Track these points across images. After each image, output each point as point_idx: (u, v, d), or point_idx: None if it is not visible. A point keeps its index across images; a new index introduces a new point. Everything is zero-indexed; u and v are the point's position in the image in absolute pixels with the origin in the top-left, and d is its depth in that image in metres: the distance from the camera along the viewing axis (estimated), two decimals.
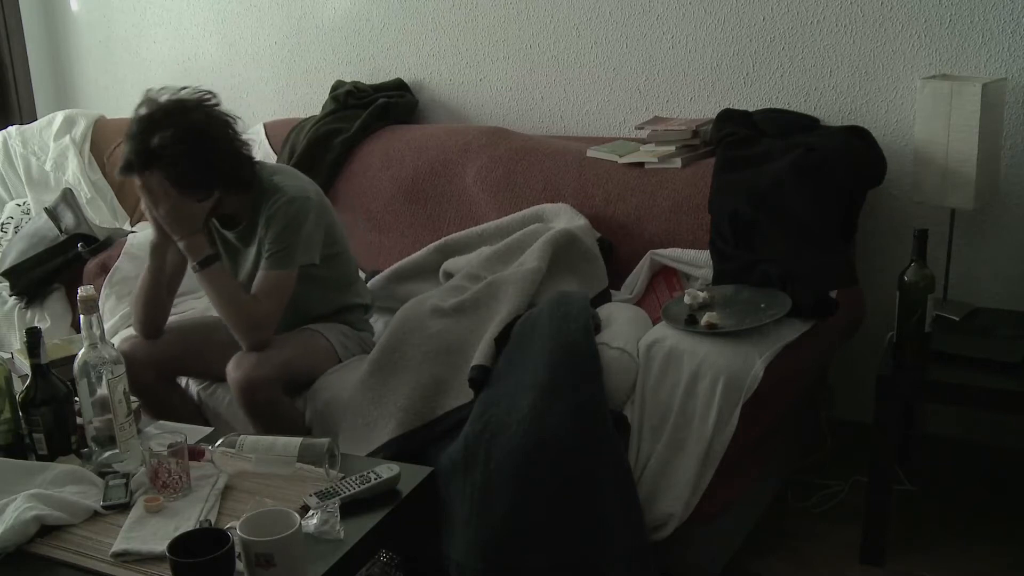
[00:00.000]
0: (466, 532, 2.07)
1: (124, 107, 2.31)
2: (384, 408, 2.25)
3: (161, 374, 2.48)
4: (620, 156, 2.82)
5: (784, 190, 2.42)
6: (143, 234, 2.43)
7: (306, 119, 3.42)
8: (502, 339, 2.28)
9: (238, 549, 1.49)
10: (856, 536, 2.38)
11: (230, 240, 2.47)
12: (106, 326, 2.56)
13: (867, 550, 2.37)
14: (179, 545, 1.48)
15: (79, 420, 1.99)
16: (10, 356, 2.47)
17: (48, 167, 3.72)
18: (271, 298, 2.33)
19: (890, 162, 2.65)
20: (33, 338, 1.91)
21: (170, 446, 1.79)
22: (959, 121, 2.40)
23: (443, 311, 2.43)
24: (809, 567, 2.39)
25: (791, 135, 2.66)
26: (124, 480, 1.84)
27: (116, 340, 2.67)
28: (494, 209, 2.94)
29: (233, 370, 2.29)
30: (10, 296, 3.22)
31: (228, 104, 2.40)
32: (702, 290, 2.36)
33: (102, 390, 1.90)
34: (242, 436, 1.92)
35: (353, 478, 1.78)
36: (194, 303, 2.86)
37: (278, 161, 3.30)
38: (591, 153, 2.88)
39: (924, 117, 2.49)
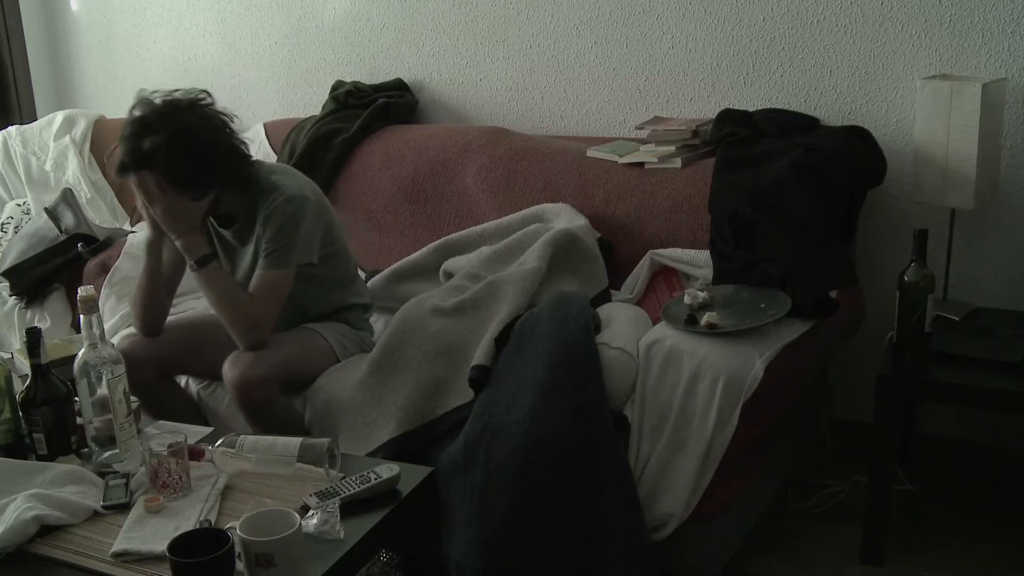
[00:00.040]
0: (466, 532, 2.07)
1: (124, 107, 2.32)
2: (384, 408, 2.25)
3: (161, 372, 2.48)
4: (620, 156, 2.82)
5: (784, 190, 2.42)
6: (143, 234, 2.43)
7: (306, 119, 3.42)
8: (502, 339, 2.28)
9: (238, 549, 1.49)
10: (856, 536, 2.38)
11: (227, 239, 2.47)
12: (106, 326, 2.56)
13: (867, 550, 2.37)
14: (179, 545, 1.48)
15: (79, 420, 1.99)
16: (10, 356, 2.47)
17: (48, 167, 3.72)
18: (268, 298, 2.33)
19: (890, 162, 2.65)
20: (33, 338, 1.91)
21: (170, 446, 1.79)
22: (959, 121, 2.40)
23: (443, 311, 2.43)
24: (809, 567, 2.39)
25: (791, 135, 2.66)
26: (124, 480, 1.84)
27: (116, 339, 2.67)
28: (494, 209, 2.94)
29: (229, 369, 2.29)
30: (10, 296, 3.22)
31: (228, 104, 2.41)
32: (702, 290, 2.36)
33: (102, 390, 1.90)
34: (242, 436, 1.92)
35: (353, 478, 1.78)
36: (194, 303, 2.86)
37: (278, 161, 3.30)
38: (591, 153, 2.88)
39: (924, 117, 2.49)
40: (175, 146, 2.21)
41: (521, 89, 3.27)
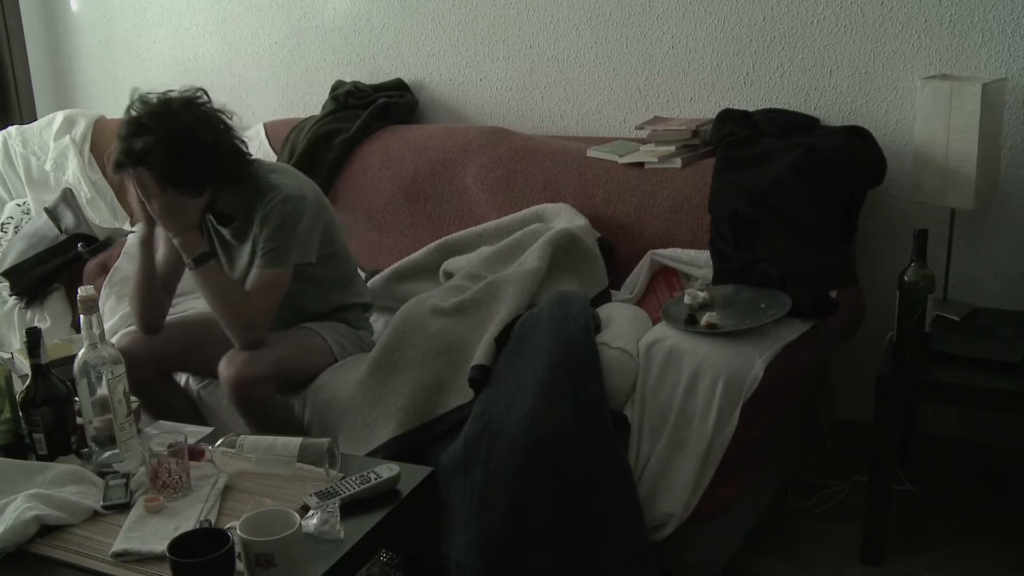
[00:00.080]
0: (466, 532, 2.07)
1: (124, 107, 2.32)
2: (384, 408, 2.25)
3: (160, 370, 2.48)
4: (620, 156, 2.82)
5: (784, 190, 2.42)
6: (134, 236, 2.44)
7: (306, 119, 3.42)
8: (502, 339, 2.28)
9: (238, 549, 1.49)
10: (856, 536, 2.38)
11: (226, 236, 2.47)
12: (106, 326, 2.56)
13: (867, 550, 2.37)
14: (179, 545, 1.48)
15: (79, 420, 1.99)
16: (10, 356, 2.47)
17: (48, 167, 3.72)
18: (264, 297, 2.33)
19: (890, 162, 2.65)
20: (33, 338, 1.91)
21: (170, 446, 1.79)
22: (959, 121, 2.40)
23: (443, 311, 2.43)
24: (809, 567, 2.39)
25: (791, 135, 2.66)
26: (124, 480, 1.84)
27: (116, 336, 2.68)
28: (494, 209, 2.94)
29: (225, 368, 2.29)
30: (10, 296, 3.22)
31: (228, 104, 2.40)
32: (702, 290, 2.36)
33: (102, 390, 1.90)
34: (242, 436, 1.92)
35: (353, 478, 1.78)
36: (193, 303, 2.86)
37: (278, 161, 3.30)
38: (591, 153, 2.88)
39: (924, 117, 2.49)
40: (169, 145, 2.21)
41: (521, 89, 3.27)
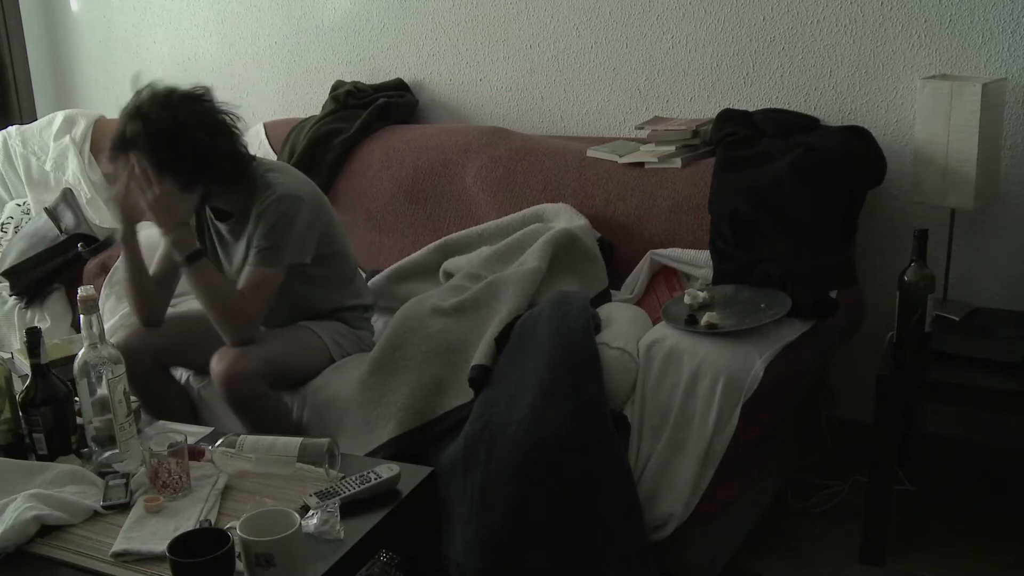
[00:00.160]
0: (466, 532, 2.07)
1: (128, 100, 2.33)
2: (384, 408, 2.25)
3: (158, 363, 2.49)
4: (620, 156, 2.82)
5: (784, 190, 2.42)
6: (143, 234, 2.44)
7: (306, 119, 3.42)
8: (502, 339, 2.28)
9: (238, 549, 1.49)
10: (856, 536, 2.38)
11: (223, 233, 2.48)
12: (106, 326, 2.55)
13: (867, 550, 2.37)
14: (179, 545, 1.48)
15: (79, 420, 1.99)
16: (10, 356, 2.48)
17: (48, 167, 3.72)
18: (256, 296, 2.33)
19: (890, 162, 2.65)
20: (33, 338, 1.91)
21: (170, 446, 1.79)
22: (959, 121, 2.40)
23: (443, 311, 2.43)
24: (809, 567, 2.39)
25: (791, 135, 2.66)
26: (124, 480, 1.84)
27: (114, 325, 2.68)
28: (494, 209, 2.94)
29: (216, 364, 2.29)
30: (10, 296, 3.22)
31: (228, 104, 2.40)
32: (702, 290, 2.36)
33: (102, 390, 1.90)
34: (242, 436, 1.92)
35: (353, 478, 1.78)
36: (193, 303, 2.86)
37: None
38: (591, 153, 2.88)
39: (924, 117, 2.49)
40: (159, 135, 2.22)
41: (521, 89, 3.27)
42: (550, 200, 2.84)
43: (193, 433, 2.07)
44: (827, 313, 2.32)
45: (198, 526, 1.65)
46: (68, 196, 3.33)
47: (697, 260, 2.57)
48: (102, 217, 3.59)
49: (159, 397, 2.48)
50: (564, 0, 3.12)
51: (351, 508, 1.72)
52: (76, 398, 1.98)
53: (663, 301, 2.52)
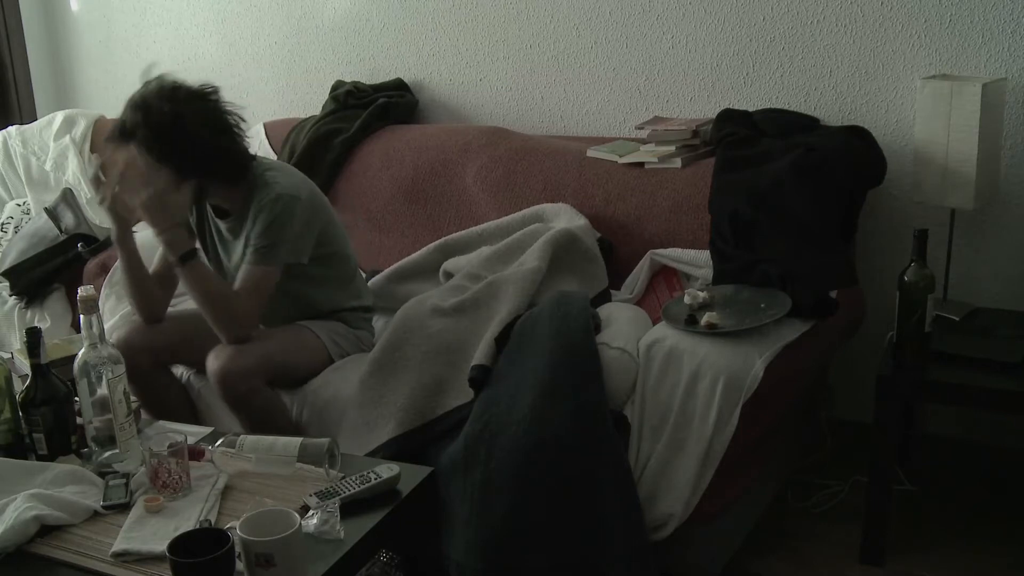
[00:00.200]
0: (466, 532, 2.07)
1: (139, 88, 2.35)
2: (384, 408, 2.25)
3: (157, 360, 2.49)
4: (620, 156, 2.82)
5: (784, 190, 2.42)
6: (143, 235, 2.44)
7: (306, 119, 3.42)
8: (502, 339, 2.28)
9: (238, 549, 1.49)
10: (856, 536, 2.38)
11: (222, 230, 2.48)
12: (106, 326, 2.55)
13: (867, 550, 2.37)
14: (179, 545, 1.48)
15: (79, 420, 1.99)
16: (10, 356, 2.48)
17: (48, 167, 3.72)
18: (252, 294, 2.33)
19: (890, 162, 2.65)
20: (33, 338, 1.91)
21: (170, 446, 1.79)
22: (959, 121, 2.40)
23: (443, 311, 2.43)
24: (809, 567, 2.39)
25: (791, 135, 2.66)
26: (124, 480, 1.84)
27: (114, 323, 2.68)
28: (494, 209, 2.94)
29: (212, 361, 2.29)
30: (10, 296, 3.22)
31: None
32: (702, 290, 2.36)
33: (102, 390, 1.90)
34: (242, 436, 1.92)
35: (353, 478, 1.78)
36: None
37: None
38: (591, 153, 2.88)
39: (924, 117, 2.49)
40: (158, 127, 2.23)
41: (521, 89, 3.27)
42: (550, 200, 2.84)
43: (193, 433, 2.07)
44: (827, 313, 2.32)
45: (198, 526, 1.65)
46: (68, 196, 3.33)
47: (697, 260, 2.57)
48: (102, 217, 3.59)
49: (159, 395, 2.48)
50: (564, 0, 3.12)
51: (351, 508, 1.72)
52: (76, 398, 1.98)
53: (663, 301, 2.52)
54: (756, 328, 2.19)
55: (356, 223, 3.14)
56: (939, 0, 2.61)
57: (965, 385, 2.25)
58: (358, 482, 1.77)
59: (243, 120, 2.39)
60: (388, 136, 3.24)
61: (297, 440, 1.88)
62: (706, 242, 2.55)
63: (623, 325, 2.31)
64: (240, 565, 1.50)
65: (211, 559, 1.45)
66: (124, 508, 1.77)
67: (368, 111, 3.29)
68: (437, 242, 2.87)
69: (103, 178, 2.30)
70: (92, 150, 3.73)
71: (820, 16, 2.77)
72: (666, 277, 2.65)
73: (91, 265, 3.08)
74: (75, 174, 3.68)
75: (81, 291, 1.91)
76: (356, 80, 3.48)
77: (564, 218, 2.75)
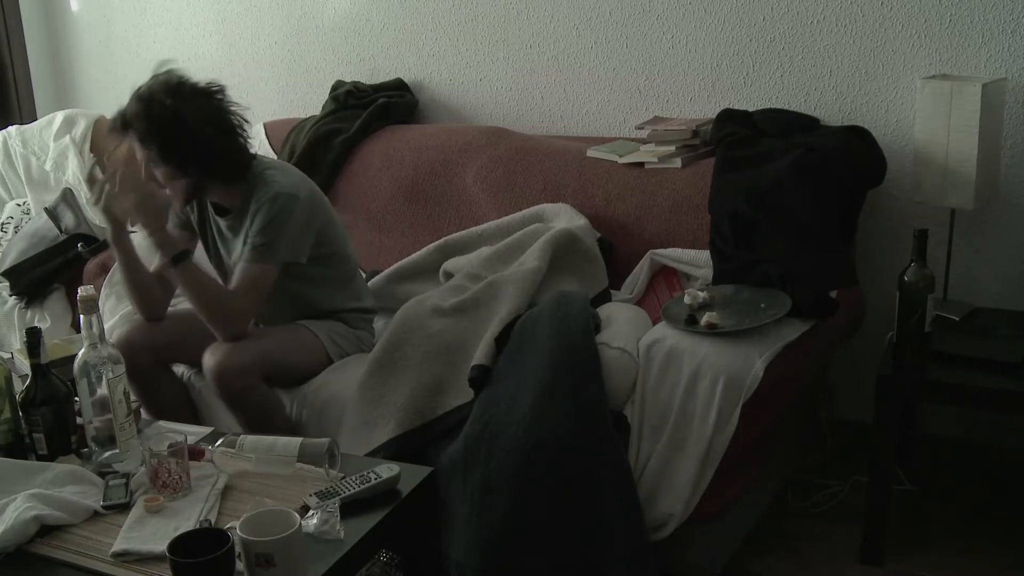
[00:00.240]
0: (466, 532, 2.07)
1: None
2: (384, 408, 2.25)
3: (158, 360, 2.50)
4: (620, 156, 2.82)
5: (784, 190, 2.42)
6: (142, 234, 2.44)
7: (306, 119, 3.42)
8: (502, 339, 2.28)
9: (238, 549, 1.49)
10: (856, 536, 2.38)
11: (223, 228, 2.48)
12: (106, 326, 2.55)
13: (867, 550, 2.37)
14: (179, 545, 1.48)
15: (79, 420, 1.99)
16: (10, 356, 2.48)
17: (48, 167, 3.72)
18: (248, 292, 2.33)
19: (890, 162, 2.65)
20: (33, 338, 1.91)
21: (170, 446, 1.79)
22: (959, 121, 2.40)
23: (443, 311, 2.43)
24: (809, 567, 2.38)
25: (791, 135, 2.66)
26: (124, 480, 1.84)
27: (115, 321, 2.68)
28: (494, 209, 2.94)
29: (208, 358, 2.30)
30: (10, 296, 3.22)
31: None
32: (702, 290, 2.36)
33: (102, 390, 1.90)
34: (242, 436, 1.92)
35: (353, 478, 1.78)
36: None
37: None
38: (591, 153, 2.88)
39: (924, 117, 2.49)
40: (157, 120, 2.24)
41: (521, 89, 3.27)
42: (550, 200, 2.84)
43: (193, 433, 2.07)
44: (827, 313, 2.32)
45: (198, 526, 1.65)
46: (68, 196, 3.34)
47: (697, 260, 2.57)
48: (102, 217, 3.60)
49: (159, 394, 2.49)
50: (564, 0, 3.12)
51: (351, 508, 1.72)
52: (76, 398, 1.97)
53: (663, 301, 2.52)
54: (756, 328, 2.19)
55: (356, 223, 3.14)
56: (939, 0, 2.61)
57: (965, 385, 2.25)
58: (358, 482, 1.77)
59: (246, 121, 2.39)
60: (388, 136, 3.24)
61: (297, 440, 1.88)
62: (706, 242, 2.55)
63: (623, 325, 2.31)
64: (240, 565, 1.50)
65: (211, 559, 1.44)
66: (124, 508, 1.77)
67: (368, 111, 3.29)
68: (437, 242, 2.87)
69: (96, 178, 2.30)
70: (92, 150, 3.74)
71: (820, 16, 2.77)
72: (666, 277, 2.65)
73: (91, 265, 3.08)
74: (75, 174, 3.67)
75: (81, 291, 1.91)
76: (356, 80, 3.48)
77: (564, 218, 2.75)
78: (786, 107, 2.84)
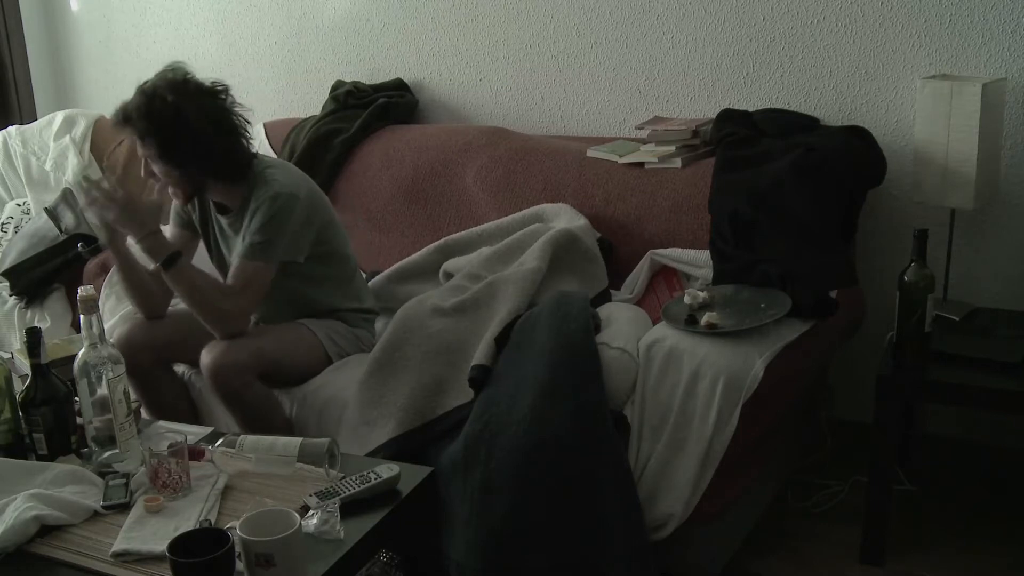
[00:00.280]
0: (466, 532, 2.07)
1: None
2: (384, 408, 2.25)
3: (158, 359, 2.50)
4: (620, 156, 2.82)
5: (784, 190, 2.42)
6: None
7: (306, 119, 3.42)
8: (502, 339, 2.28)
9: (238, 549, 1.49)
10: (856, 536, 2.38)
11: (224, 226, 2.48)
12: (106, 326, 2.55)
13: (867, 550, 2.37)
14: (179, 545, 1.48)
15: (79, 420, 1.99)
16: (10, 356, 2.48)
17: (48, 167, 3.72)
18: (245, 291, 2.34)
19: (890, 162, 2.65)
20: (33, 338, 1.91)
21: (170, 446, 1.79)
22: (959, 121, 2.40)
23: (443, 311, 2.43)
24: (809, 567, 2.39)
25: (791, 135, 2.66)
26: (124, 480, 1.84)
27: (115, 320, 2.68)
28: (494, 209, 2.94)
29: (205, 355, 2.30)
30: (10, 296, 3.22)
31: None
32: (702, 290, 2.36)
33: (102, 390, 1.90)
34: (242, 436, 1.92)
35: (353, 478, 1.78)
36: None
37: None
38: (591, 153, 2.88)
39: (924, 117, 2.49)
40: (157, 115, 2.24)
41: (521, 89, 3.27)
42: (550, 200, 2.84)
43: (193, 433, 2.07)
44: (827, 313, 2.32)
45: (198, 526, 1.65)
46: (68, 196, 3.33)
47: (697, 260, 2.57)
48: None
49: (159, 393, 2.49)
50: (564, 0, 3.12)
51: (351, 508, 1.72)
52: (76, 398, 1.97)
53: (663, 301, 2.52)
54: (756, 328, 2.19)
55: (356, 223, 3.14)
56: (939, 0, 2.61)
57: (965, 385, 2.25)
58: (358, 482, 1.77)
59: (248, 122, 2.40)
60: (388, 136, 3.24)
61: (297, 440, 1.88)
62: (706, 242, 2.55)
63: (623, 325, 2.31)
64: (240, 565, 1.50)
65: (211, 559, 1.44)
66: (124, 508, 1.77)
67: (368, 111, 3.29)
68: (437, 242, 2.87)
69: (84, 184, 2.30)
70: (92, 150, 3.74)
71: (820, 16, 2.77)
72: (666, 277, 2.65)
73: (91, 265, 3.08)
74: (75, 174, 3.67)
75: (81, 291, 1.91)
76: (356, 80, 3.48)
77: (564, 218, 2.75)
78: (786, 107, 2.84)
